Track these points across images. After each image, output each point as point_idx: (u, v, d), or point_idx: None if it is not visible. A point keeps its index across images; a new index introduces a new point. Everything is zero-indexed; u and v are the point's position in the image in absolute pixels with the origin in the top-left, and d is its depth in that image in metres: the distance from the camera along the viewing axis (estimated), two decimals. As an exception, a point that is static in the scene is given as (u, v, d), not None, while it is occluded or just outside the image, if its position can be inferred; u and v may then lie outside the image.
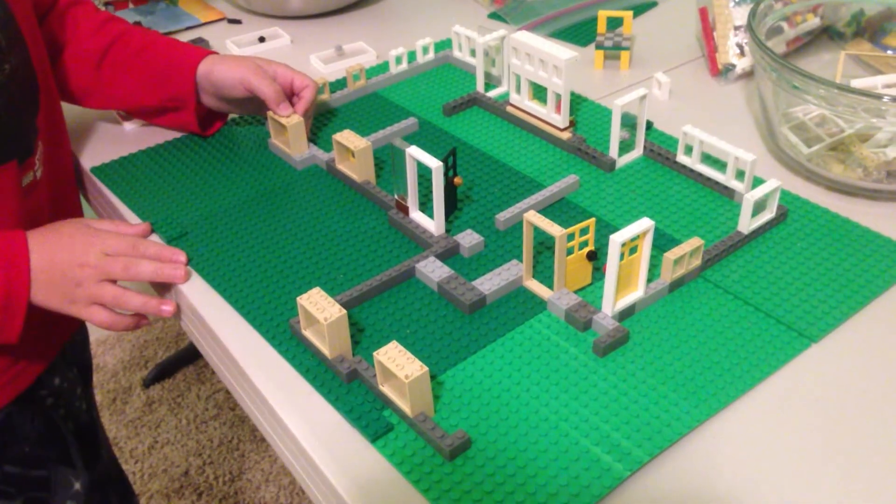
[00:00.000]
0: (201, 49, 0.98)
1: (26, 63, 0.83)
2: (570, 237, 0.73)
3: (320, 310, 0.69)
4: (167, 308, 0.81)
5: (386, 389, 0.66)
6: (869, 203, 0.88)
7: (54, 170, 0.90)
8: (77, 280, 0.77)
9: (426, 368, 0.63)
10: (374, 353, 0.65)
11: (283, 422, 0.68)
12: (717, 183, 0.88)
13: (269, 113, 0.97)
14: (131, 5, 1.37)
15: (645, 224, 0.70)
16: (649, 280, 0.76)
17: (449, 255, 0.82)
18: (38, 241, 0.77)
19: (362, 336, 0.74)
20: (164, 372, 1.98)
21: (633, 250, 0.72)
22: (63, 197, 0.94)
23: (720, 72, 1.11)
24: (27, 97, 0.84)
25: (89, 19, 0.97)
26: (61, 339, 0.97)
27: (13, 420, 0.88)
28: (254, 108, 1.02)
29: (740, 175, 0.86)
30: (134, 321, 0.82)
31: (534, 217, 0.74)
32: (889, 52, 1.11)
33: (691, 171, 0.90)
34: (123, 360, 2.04)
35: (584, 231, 0.74)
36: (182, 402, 1.94)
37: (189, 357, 2.01)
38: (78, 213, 0.98)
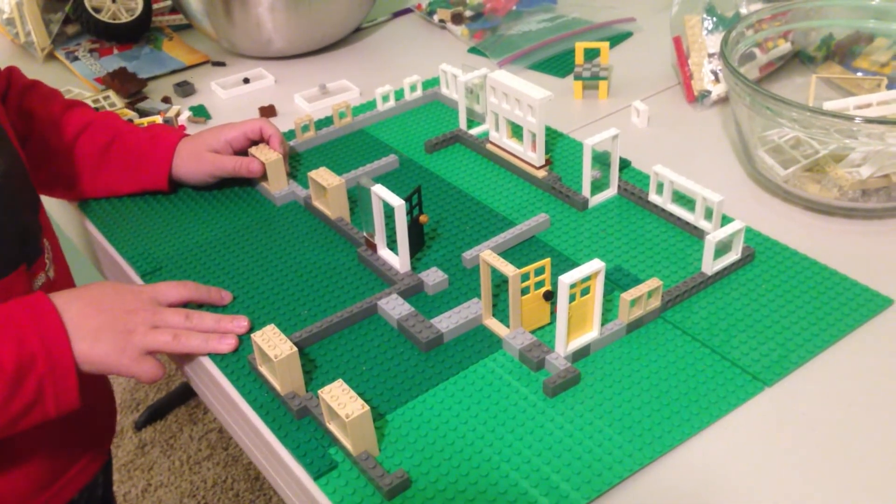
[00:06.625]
0: (161, 146, 0.98)
1: (17, 161, 0.80)
2: (525, 277, 0.74)
3: (272, 347, 0.70)
4: (229, 342, 0.77)
5: (332, 427, 0.67)
6: (846, 221, 0.90)
7: (63, 267, 0.86)
8: (128, 327, 0.73)
9: (367, 408, 0.63)
10: (319, 391, 0.66)
11: (278, 455, 0.69)
12: (686, 223, 0.88)
13: (251, 150, 0.99)
14: (116, 51, 1.37)
15: (595, 265, 0.70)
16: (609, 320, 0.76)
17: (413, 292, 0.82)
18: (71, 296, 0.73)
19: (318, 372, 0.75)
20: (155, 414, 1.98)
21: (585, 291, 0.72)
22: None
23: (696, 98, 1.12)
24: (26, 196, 0.81)
25: (46, 106, 0.96)
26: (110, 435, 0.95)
27: None
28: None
29: (710, 215, 0.86)
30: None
31: (489, 257, 0.74)
32: (859, 74, 1.12)
33: (663, 210, 0.90)
34: (114, 404, 2.05)
35: (539, 271, 0.74)
36: (175, 443, 1.93)
37: (180, 398, 2.01)
38: None
